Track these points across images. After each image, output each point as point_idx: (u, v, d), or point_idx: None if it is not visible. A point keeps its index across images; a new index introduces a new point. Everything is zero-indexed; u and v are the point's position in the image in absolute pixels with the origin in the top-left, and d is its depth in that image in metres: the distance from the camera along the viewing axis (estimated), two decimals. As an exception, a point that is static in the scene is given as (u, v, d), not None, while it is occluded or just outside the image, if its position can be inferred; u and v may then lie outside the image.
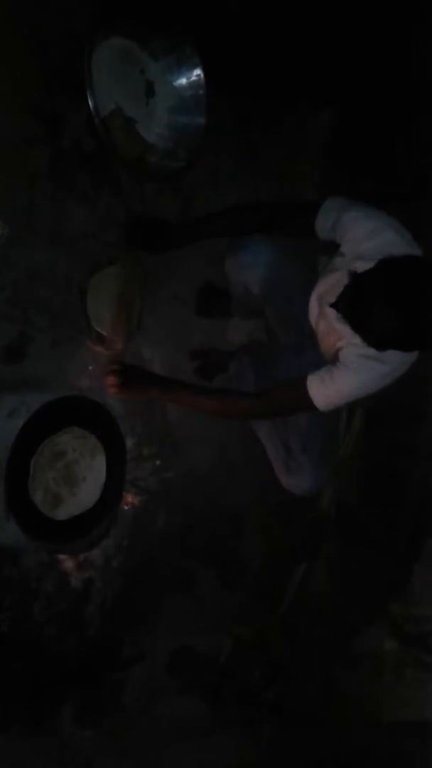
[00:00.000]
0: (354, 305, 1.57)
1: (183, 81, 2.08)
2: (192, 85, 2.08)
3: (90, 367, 2.02)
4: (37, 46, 1.82)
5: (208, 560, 2.40)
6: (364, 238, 1.64)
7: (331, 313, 1.74)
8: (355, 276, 1.62)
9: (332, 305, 1.74)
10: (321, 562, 2.71)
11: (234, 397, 1.87)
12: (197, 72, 2.06)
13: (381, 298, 1.48)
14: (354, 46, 2.46)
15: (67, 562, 1.99)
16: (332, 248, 1.78)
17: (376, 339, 1.54)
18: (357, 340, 1.63)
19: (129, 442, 2.12)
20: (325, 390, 1.69)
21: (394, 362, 1.64)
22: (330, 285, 1.77)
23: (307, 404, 1.73)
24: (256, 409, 1.85)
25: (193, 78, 2.07)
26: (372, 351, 1.62)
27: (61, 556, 1.95)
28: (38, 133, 1.84)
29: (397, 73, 2.57)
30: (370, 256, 1.62)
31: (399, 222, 1.66)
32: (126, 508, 2.15)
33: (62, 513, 1.76)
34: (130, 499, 2.16)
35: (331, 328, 1.77)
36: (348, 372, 1.66)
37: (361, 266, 1.64)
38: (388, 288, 1.49)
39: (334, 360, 1.76)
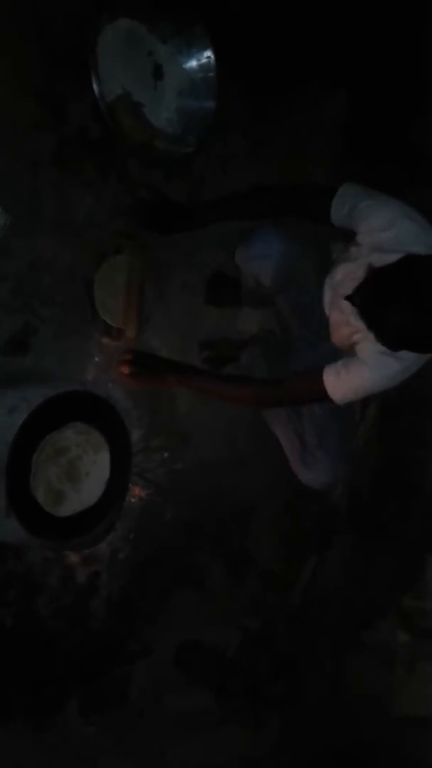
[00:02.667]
0: (371, 304, 1.54)
1: (193, 63, 2.02)
2: (202, 68, 2.02)
3: (96, 359, 1.98)
4: (40, 28, 1.76)
5: (216, 553, 2.38)
6: (381, 228, 1.60)
7: (347, 306, 1.71)
8: (372, 272, 1.59)
9: (348, 298, 1.71)
10: (332, 555, 2.69)
11: (249, 384, 1.86)
12: (207, 54, 2.00)
13: (397, 298, 1.46)
14: (367, 26, 2.39)
15: (73, 556, 1.97)
16: (347, 235, 1.74)
17: (391, 339, 1.52)
18: (373, 336, 1.60)
19: (136, 434, 2.10)
20: (341, 384, 1.67)
21: (410, 359, 1.62)
22: (345, 275, 1.74)
23: (322, 396, 1.71)
24: (271, 397, 1.84)
25: (204, 60, 2.01)
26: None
27: (66, 552, 1.93)
28: (42, 118, 1.79)
29: (412, 55, 2.50)
30: (387, 247, 1.59)
31: (416, 210, 1.62)
32: (133, 500, 2.12)
33: (65, 510, 1.72)
34: (137, 491, 2.14)
35: (345, 320, 1.74)
36: (364, 368, 1.64)
37: (378, 259, 1.60)
38: (406, 288, 1.46)
39: (349, 352, 1.73)
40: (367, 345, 1.64)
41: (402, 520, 2.84)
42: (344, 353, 1.82)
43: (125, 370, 1.78)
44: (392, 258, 1.58)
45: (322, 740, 2.57)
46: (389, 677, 2.76)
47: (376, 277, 1.55)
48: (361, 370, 1.64)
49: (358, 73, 2.43)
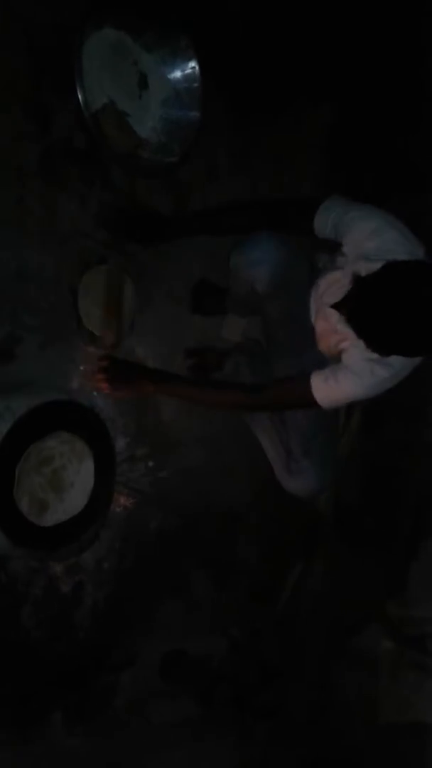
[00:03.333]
0: (358, 311, 1.56)
1: (177, 73, 2.02)
2: (187, 78, 2.02)
3: (81, 368, 1.97)
4: (26, 37, 1.76)
5: (202, 561, 2.38)
6: (366, 238, 1.62)
7: (333, 314, 1.73)
8: (359, 280, 1.60)
9: (334, 306, 1.72)
10: (318, 563, 2.69)
11: (233, 389, 1.88)
12: (192, 64, 2.00)
13: (385, 305, 1.48)
14: (354, 38, 2.41)
15: (57, 566, 1.96)
16: (332, 246, 1.75)
17: (381, 345, 1.54)
18: (361, 343, 1.62)
19: (121, 443, 2.09)
20: (328, 390, 1.69)
21: (398, 366, 1.64)
22: (330, 284, 1.76)
23: (309, 401, 1.73)
24: (256, 402, 1.86)
25: (188, 70, 2.01)
26: (376, 354, 1.60)
27: (50, 561, 1.92)
28: (27, 127, 1.79)
29: (398, 67, 2.51)
30: (372, 256, 1.61)
31: (400, 220, 1.64)
32: (118, 510, 2.12)
33: (49, 519, 1.73)
34: (122, 500, 2.13)
35: (332, 328, 1.76)
36: (352, 375, 1.66)
37: (364, 267, 1.62)
38: (393, 295, 1.48)
39: (336, 359, 1.75)
40: (355, 352, 1.66)
41: (387, 527, 2.85)
42: (331, 361, 1.84)
43: (100, 377, 1.80)
44: (377, 266, 1.60)
45: (308, 748, 2.57)
46: (374, 684, 2.76)
47: (361, 285, 1.57)
48: (348, 377, 1.65)
49: (344, 85, 2.45)
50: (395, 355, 1.61)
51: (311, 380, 1.71)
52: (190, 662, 2.33)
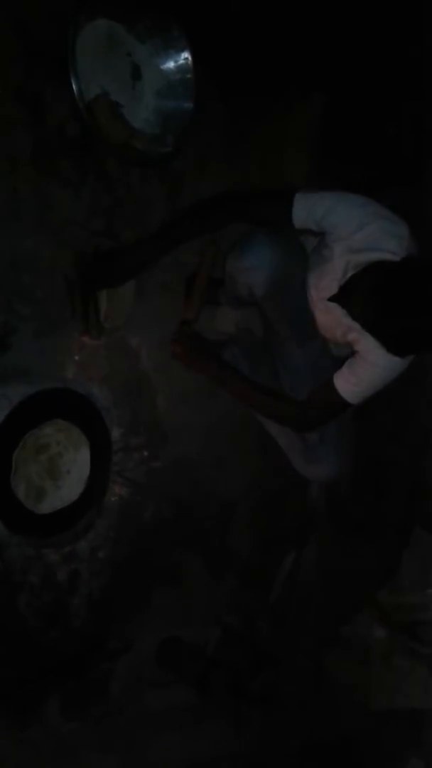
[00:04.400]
0: (373, 314, 1.58)
1: (171, 64, 2.03)
2: (180, 69, 2.03)
3: (76, 358, 1.98)
4: (20, 27, 1.76)
5: (196, 550, 2.40)
6: (353, 231, 1.63)
7: (336, 308, 1.74)
8: (361, 276, 1.62)
9: (333, 300, 1.74)
10: (310, 551, 2.71)
11: (285, 401, 1.92)
12: (185, 55, 2.01)
13: (401, 305, 1.51)
14: (345, 29, 2.42)
15: (53, 555, 1.97)
16: (317, 235, 1.77)
17: (397, 347, 1.59)
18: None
19: (116, 433, 2.10)
20: (353, 386, 1.74)
21: None
22: (324, 276, 1.77)
23: (341, 404, 1.77)
24: (304, 419, 1.90)
25: (181, 61, 2.02)
26: None
27: (46, 549, 1.93)
28: (20, 117, 1.79)
29: (390, 57, 2.53)
30: (362, 248, 1.63)
31: (380, 204, 1.65)
32: (113, 499, 2.13)
33: (46, 507, 1.74)
34: (117, 490, 2.14)
35: (336, 320, 1.77)
36: (370, 366, 1.70)
37: (354, 258, 1.64)
38: (409, 295, 1.50)
39: (345, 347, 1.77)
40: (367, 342, 1.67)
41: (378, 516, 2.87)
42: (337, 346, 1.87)
43: (178, 347, 1.89)
44: (368, 256, 1.62)
45: (303, 735, 2.60)
46: (366, 671, 2.79)
47: (377, 286, 1.58)
48: (367, 368, 1.69)
49: (335, 76, 2.46)
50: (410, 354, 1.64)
51: (335, 383, 1.75)
52: (185, 649, 2.35)
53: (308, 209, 1.65)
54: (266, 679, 2.58)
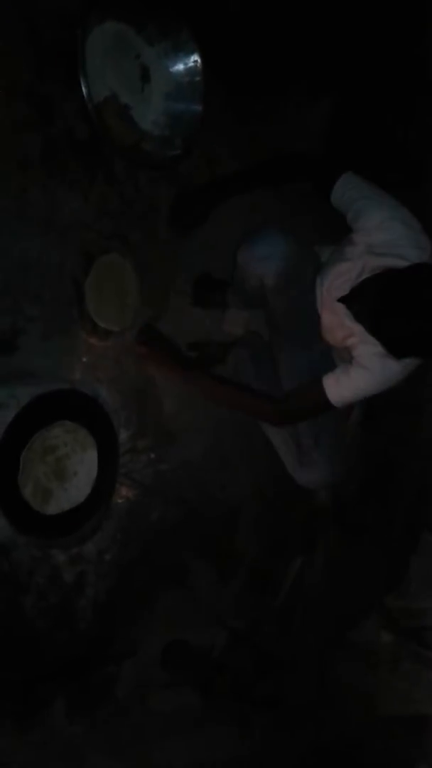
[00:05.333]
0: (376, 312, 1.58)
1: (180, 67, 2.03)
2: (189, 71, 2.03)
3: (83, 359, 1.98)
4: (29, 29, 1.76)
5: (203, 553, 2.39)
6: (375, 228, 1.65)
7: (341, 308, 1.75)
8: (374, 280, 1.62)
9: (342, 301, 1.74)
10: (318, 555, 2.71)
11: (259, 398, 1.94)
12: (194, 58, 2.02)
13: (405, 308, 1.51)
14: (354, 31, 2.42)
15: (59, 556, 1.97)
16: (336, 238, 1.78)
17: (399, 349, 1.58)
18: (371, 338, 1.64)
19: (123, 435, 2.10)
20: (342, 389, 1.74)
21: (407, 359, 1.66)
22: (338, 276, 1.78)
23: (324, 404, 1.78)
24: (280, 412, 1.91)
25: (190, 64, 2.03)
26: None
27: (53, 550, 1.93)
28: (29, 118, 1.80)
29: (397, 59, 2.53)
30: (380, 249, 1.63)
31: (410, 213, 1.66)
32: (120, 501, 2.12)
33: (53, 508, 1.74)
34: (124, 492, 2.14)
35: (339, 323, 1.78)
36: (364, 371, 1.71)
37: (372, 261, 1.64)
38: (415, 298, 1.50)
39: (343, 353, 1.77)
40: (365, 348, 1.68)
41: (386, 520, 2.87)
42: (337, 352, 1.86)
43: (140, 345, 1.92)
44: (386, 261, 1.63)
45: (308, 739, 2.59)
46: (373, 676, 2.78)
47: (380, 286, 1.59)
48: (360, 373, 1.69)
49: (344, 78, 2.46)
50: (410, 356, 1.64)
51: (324, 382, 1.74)
52: (190, 652, 2.34)
53: (347, 189, 1.70)
54: (272, 684, 2.57)
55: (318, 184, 1.81)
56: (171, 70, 2.03)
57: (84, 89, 1.79)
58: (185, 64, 2.03)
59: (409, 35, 2.55)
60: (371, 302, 1.61)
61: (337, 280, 1.76)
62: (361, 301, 1.67)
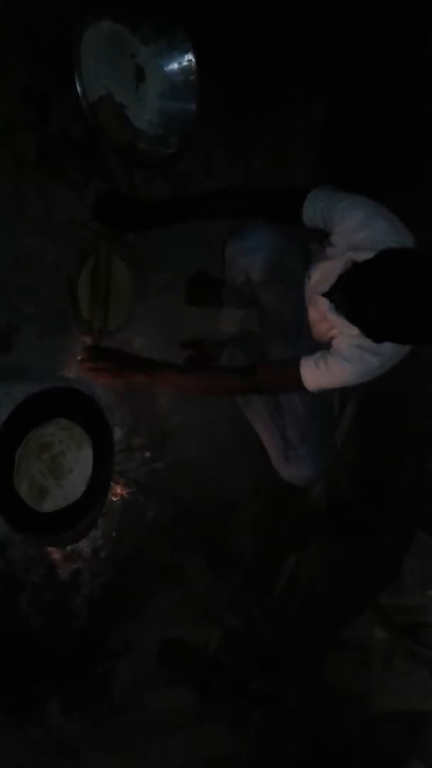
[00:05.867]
0: (351, 297, 1.59)
1: (174, 66, 2.04)
2: (183, 71, 2.04)
3: (78, 357, 1.99)
4: (24, 27, 1.77)
5: (198, 550, 2.40)
6: (355, 229, 1.65)
7: (324, 302, 1.75)
8: (351, 267, 1.63)
9: (325, 295, 1.75)
10: (312, 553, 2.71)
11: (225, 374, 1.93)
12: (189, 57, 2.02)
13: (379, 291, 1.51)
14: (348, 31, 2.43)
15: (55, 554, 1.98)
16: (323, 236, 1.78)
17: (374, 331, 1.57)
18: (351, 330, 1.65)
19: (118, 433, 2.11)
20: (318, 375, 1.73)
21: (387, 353, 1.67)
22: (322, 273, 1.78)
23: (298, 386, 1.77)
24: (248, 385, 1.89)
25: (185, 63, 2.03)
26: (365, 342, 1.64)
27: (48, 548, 1.93)
28: (25, 117, 1.80)
29: (392, 59, 2.54)
30: (363, 246, 1.63)
31: (387, 209, 1.67)
32: (115, 499, 2.13)
33: (48, 505, 1.74)
34: (119, 490, 2.14)
35: (323, 316, 1.78)
36: (341, 361, 1.70)
37: (354, 256, 1.64)
38: (387, 281, 1.52)
39: (327, 347, 1.78)
40: (344, 339, 1.69)
41: (380, 519, 2.87)
42: (324, 348, 1.87)
43: (85, 365, 1.84)
44: (368, 255, 1.63)
45: (303, 736, 2.59)
46: (367, 673, 2.79)
47: (355, 273, 1.60)
48: (338, 362, 1.69)
49: (339, 78, 2.48)
50: (387, 342, 1.64)
51: (301, 365, 1.74)
52: (186, 650, 2.35)
53: (317, 205, 1.68)
54: (267, 681, 2.58)
55: (282, 218, 1.81)
56: (166, 69, 2.04)
57: (79, 88, 1.80)
58: (180, 63, 2.04)
59: (407, 36, 2.56)
60: (348, 291, 1.62)
61: (322, 278, 1.77)
62: (340, 291, 1.67)
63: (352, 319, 1.60)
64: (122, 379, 1.89)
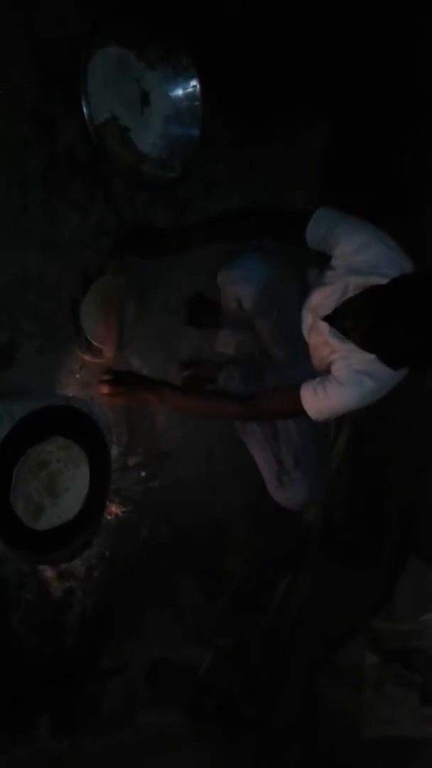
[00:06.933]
0: (368, 325, 1.60)
1: (179, 92, 2.08)
2: (188, 96, 2.08)
3: (78, 376, 2.00)
4: (33, 51, 1.80)
5: (190, 571, 2.40)
6: (354, 251, 1.66)
7: (325, 327, 1.77)
8: (363, 293, 1.64)
9: (326, 319, 1.76)
10: (305, 575, 2.71)
11: (228, 400, 1.91)
12: (193, 83, 2.06)
13: (398, 318, 1.52)
14: (352, 57, 2.47)
15: (48, 572, 1.97)
16: (322, 260, 1.80)
17: (392, 358, 1.59)
18: (352, 354, 1.66)
19: (114, 452, 2.11)
20: (318, 401, 1.73)
21: (385, 378, 1.68)
22: (323, 298, 1.79)
23: (299, 411, 1.77)
24: (250, 412, 1.89)
25: (189, 89, 2.07)
26: (366, 366, 1.65)
27: (42, 566, 1.93)
28: (32, 138, 1.83)
29: (393, 88, 2.58)
30: (362, 270, 1.65)
31: (388, 235, 1.69)
32: (110, 518, 2.13)
33: (44, 523, 1.74)
34: (114, 509, 2.14)
35: (323, 341, 1.79)
36: (340, 387, 1.70)
37: (355, 281, 1.66)
38: (405, 308, 1.53)
39: (326, 371, 1.78)
40: (344, 363, 1.69)
41: (373, 542, 2.87)
42: (323, 374, 1.87)
43: (105, 389, 1.86)
44: (368, 280, 1.65)
45: (293, 760, 2.57)
46: (359, 698, 2.77)
47: (369, 299, 1.61)
48: (337, 388, 1.69)
49: (341, 104, 2.52)
50: (384, 367, 1.65)
51: (301, 392, 1.75)
52: (176, 671, 2.34)
53: (320, 226, 1.70)
54: (258, 703, 2.57)
55: (286, 238, 1.82)
56: (171, 94, 2.08)
57: (85, 111, 1.83)
58: (185, 88, 2.07)
59: (406, 63, 2.60)
60: (363, 318, 1.63)
61: (321, 300, 1.78)
62: (352, 318, 1.68)
63: (369, 347, 1.61)
64: (134, 401, 1.91)
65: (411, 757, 2.74)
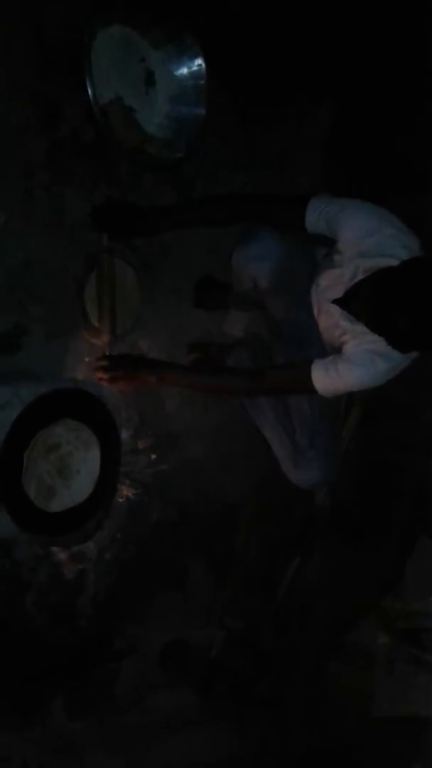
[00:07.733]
0: (377, 308, 1.59)
1: (184, 71, 2.05)
2: (193, 75, 2.05)
3: (86, 359, 2.00)
4: (36, 32, 1.78)
5: (201, 553, 2.41)
6: (363, 236, 1.66)
7: (336, 309, 1.76)
8: (373, 276, 1.63)
9: (337, 302, 1.76)
10: (315, 556, 2.72)
11: (235, 375, 1.94)
12: (198, 62, 2.04)
13: (408, 301, 1.52)
14: (356, 38, 2.45)
15: (61, 554, 1.98)
16: (329, 243, 1.79)
17: (402, 341, 1.58)
18: (364, 336, 1.66)
19: (124, 435, 2.12)
20: (329, 380, 1.74)
21: (397, 358, 1.69)
22: (331, 280, 1.79)
23: (308, 388, 1.77)
24: (258, 387, 1.91)
25: (194, 68, 2.05)
26: (377, 346, 1.66)
27: (55, 548, 1.94)
28: (36, 121, 1.81)
29: (398, 67, 2.55)
30: (371, 253, 1.64)
31: (391, 213, 1.67)
32: (120, 500, 2.14)
33: (56, 505, 1.75)
34: (124, 491, 2.15)
35: (335, 323, 1.79)
36: (352, 366, 1.71)
37: (364, 264, 1.65)
38: (416, 291, 1.52)
39: (337, 352, 1.78)
40: (356, 344, 1.70)
41: (383, 523, 2.88)
42: (333, 353, 1.87)
43: (101, 375, 1.85)
44: (377, 262, 1.64)
45: (305, 739, 2.60)
46: (369, 678, 2.79)
47: (378, 282, 1.60)
48: (348, 367, 1.69)
49: (345, 84, 2.49)
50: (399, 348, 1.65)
51: (312, 369, 1.75)
52: (189, 652, 2.35)
53: (320, 213, 1.68)
54: (269, 684, 2.59)
55: (282, 224, 1.81)
56: (175, 73, 2.05)
57: (89, 92, 1.81)
58: (189, 68, 2.05)
59: (411, 44, 2.58)
60: (371, 300, 1.62)
61: (331, 285, 1.78)
62: (361, 301, 1.68)
63: (377, 329, 1.61)
64: (135, 383, 1.90)
65: (422, 733, 2.76)
